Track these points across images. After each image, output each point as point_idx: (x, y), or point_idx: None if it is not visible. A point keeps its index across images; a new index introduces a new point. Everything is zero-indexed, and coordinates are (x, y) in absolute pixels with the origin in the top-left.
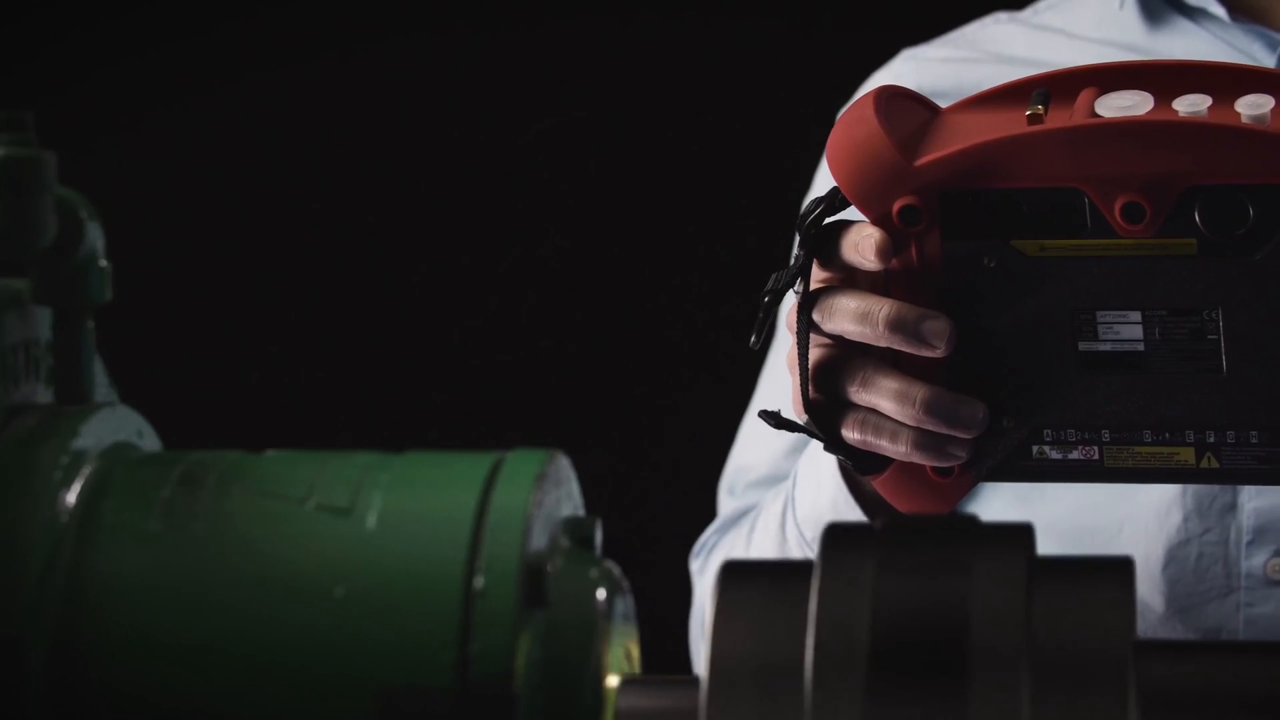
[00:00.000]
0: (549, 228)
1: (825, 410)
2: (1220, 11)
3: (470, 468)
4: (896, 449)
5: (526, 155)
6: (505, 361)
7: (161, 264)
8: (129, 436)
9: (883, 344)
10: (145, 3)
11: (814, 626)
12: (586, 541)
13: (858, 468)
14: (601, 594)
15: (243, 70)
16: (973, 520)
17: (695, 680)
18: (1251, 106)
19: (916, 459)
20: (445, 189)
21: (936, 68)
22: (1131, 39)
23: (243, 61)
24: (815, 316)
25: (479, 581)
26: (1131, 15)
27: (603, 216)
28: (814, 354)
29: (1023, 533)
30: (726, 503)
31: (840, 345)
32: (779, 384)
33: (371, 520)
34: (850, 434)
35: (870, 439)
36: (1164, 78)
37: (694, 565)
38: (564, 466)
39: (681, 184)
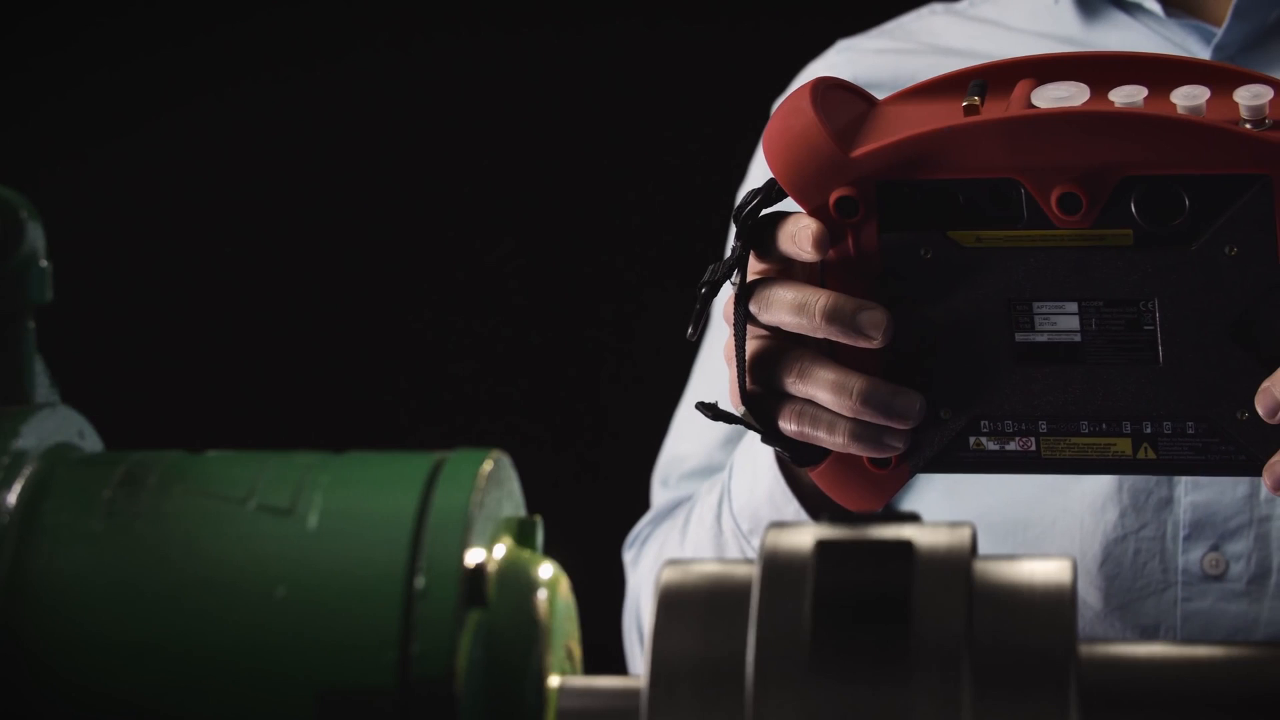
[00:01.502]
0: (486, 225)
1: (762, 402)
2: (1155, 6)
3: (411, 468)
4: (834, 440)
5: (467, 157)
6: (446, 362)
7: (103, 264)
8: (70, 437)
9: (820, 335)
10: (83, 16)
11: (755, 627)
12: (528, 541)
13: (795, 459)
14: (543, 594)
15: (189, 80)
16: (915, 519)
17: (636, 681)
18: (1187, 98)
19: (854, 450)
20: (389, 191)
21: (872, 58)
22: (1067, 32)
23: (183, 72)
24: (752, 308)
25: (420, 582)
26: (1067, 9)
27: (538, 210)
28: (751, 345)
29: (965, 533)
30: (660, 493)
31: (777, 337)
32: (713, 375)
33: (312, 520)
34: (787, 425)
35: (807, 430)
36: (1100, 69)
37: (627, 556)
38: (505, 466)
39: (616, 176)
